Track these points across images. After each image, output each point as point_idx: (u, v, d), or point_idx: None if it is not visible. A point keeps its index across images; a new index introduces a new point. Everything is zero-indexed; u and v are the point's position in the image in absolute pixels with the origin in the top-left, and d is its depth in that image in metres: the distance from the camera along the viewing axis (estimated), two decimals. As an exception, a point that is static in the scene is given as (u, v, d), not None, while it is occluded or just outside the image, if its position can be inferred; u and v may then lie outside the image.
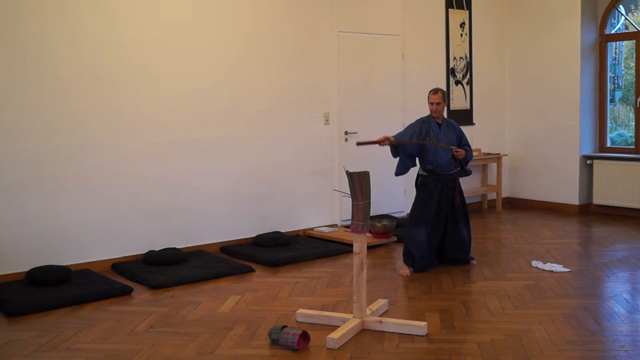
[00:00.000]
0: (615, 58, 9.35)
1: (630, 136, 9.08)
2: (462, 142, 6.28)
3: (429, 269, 6.18)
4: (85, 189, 6.29)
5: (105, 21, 6.34)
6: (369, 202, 4.61)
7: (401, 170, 6.27)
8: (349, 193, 4.64)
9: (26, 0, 5.92)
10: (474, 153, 9.18)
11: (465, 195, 9.04)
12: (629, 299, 5.24)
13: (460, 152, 6.15)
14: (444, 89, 9.08)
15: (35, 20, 5.96)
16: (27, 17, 5.93)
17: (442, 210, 6.21)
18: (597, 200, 9.00)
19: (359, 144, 6.09)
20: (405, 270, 6.10)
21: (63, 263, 6.09)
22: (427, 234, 6.14)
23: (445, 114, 8.90)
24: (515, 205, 9.79)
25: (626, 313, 4.88)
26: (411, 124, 6.29)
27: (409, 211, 6.62)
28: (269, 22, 7.44)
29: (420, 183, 6.31)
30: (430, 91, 6.22)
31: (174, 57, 6.77)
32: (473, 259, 6.44)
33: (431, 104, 6.17)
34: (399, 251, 6.77)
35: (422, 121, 6.24)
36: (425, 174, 6.27)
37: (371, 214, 5.12)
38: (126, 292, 5.59)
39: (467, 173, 6.40)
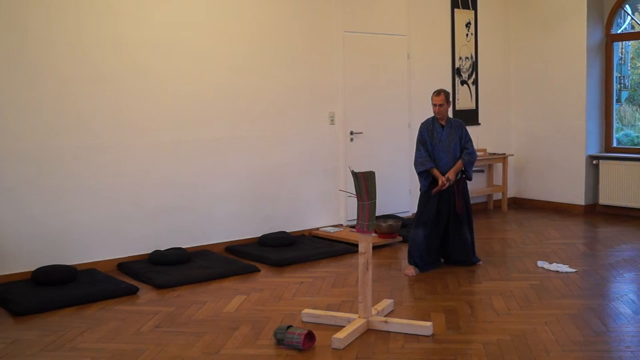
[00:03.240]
0: (622, 58, 9.33)
1: (637, 136, 9.05)
2: (462, 141, 6.24)
3: (429, 269, 6.17)
4: (90, 189, 6.31)
5: (109, 21, 6.34)
6: (375, 202, 4.61)
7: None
8: (355, 193, 4.64)
9: (29, 1, 5.93)
10: (479, 153, 9.24)
11: (470, 195, 9.07)
12: (635, 299, 5.22)
13: (452, 177, 6.11)
14: (450, 89, 9.08)
15: (39, 21, 5.97)
16: (30, 17, 5.94)
17: (442, 212, 6.21)
18: (603, 200, 8.98)
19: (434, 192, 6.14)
20: (411, 271, 6.09)
21: (68, 263, 6.11)
22: (425, 234, 6.15)
23: (450, 114, 8.99)
24: (520, 205, 9.77)
25: (632, 314, 4.87)
26: (419, 134, 6.27)
27: (414, 211, 6.63)
28: (274, 22, 7.44)
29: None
30: (433, 93, 6.22)
31: (179, 57, 6.78)
32: (479, 260, 6.42)
33: (434, 105, 6.19)
34: (404, 251, 6.77)
35: (425, 125, 6.27)
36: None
37: (376, 214, 5.11)
38: (132, 291, 5.60)
39: (468, 177, 6.35)
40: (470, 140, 6.31)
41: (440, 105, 6.15)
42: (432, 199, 6.20)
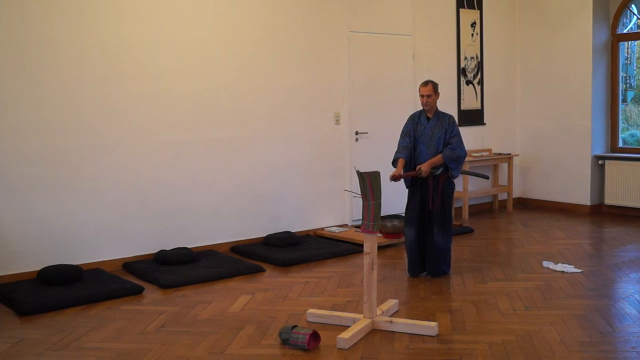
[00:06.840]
0: (627, 58, 9.31)
1: (643, 136, 9.04)
2: (447, 136, 5.88)
3: (414, 274, 6.02)
4: (96, 189, 6.32)
5: (114, 21, 6.35)
6: (380, 202, 4.61)
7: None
8: (360, 193, 4.64)
9: (33, 1, 5.94)
10: (484, 153, 9.23)
11: (475, 195, 9.12)
12: (641, 300, 5.22)
13: (425, 168, 5.78)
14: (455, 89, 9.08)
15: (42, 22, 5.99)
16: (35, 18, 5.95)
17: (426, 212, 5.99)
18: (608, 200, 8.96)
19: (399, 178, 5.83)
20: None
21: (74, 262, 6.12)
22: (414, 234, 5.96)
23: (455, 114, 8.98)
24: (526, 205, 9.76)
25: (638, 314, 4.85)
26: (404, 126, 6.08)
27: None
28: (280, 22, 7.44)
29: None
30: (420, 84, 5.97)
31: (184, 57, 6.79)
32: (447, 272, 6.04)
33: (421, 96, 5.90)
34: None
35: (412, 117, 6.08)
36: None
37: (382, 214, 5.09)
38: (137, 291, 5.61)
39: (451, 175, 5.95)
40: (457, 136, 5.89)
41: (428, 96, 5.87)
42: (413, 195, 6.00)
